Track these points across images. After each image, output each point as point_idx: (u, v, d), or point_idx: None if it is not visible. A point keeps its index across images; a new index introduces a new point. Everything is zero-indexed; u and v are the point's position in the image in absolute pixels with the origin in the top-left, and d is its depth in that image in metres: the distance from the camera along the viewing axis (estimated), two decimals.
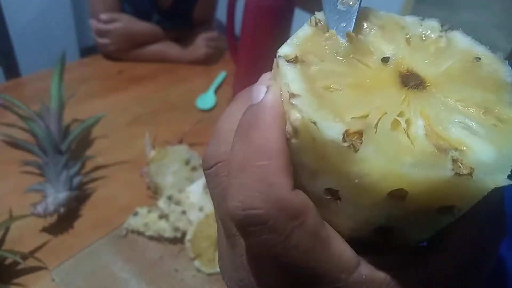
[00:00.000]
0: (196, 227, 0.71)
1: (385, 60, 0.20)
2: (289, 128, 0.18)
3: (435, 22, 0.22)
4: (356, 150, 0.16)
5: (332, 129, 0.16)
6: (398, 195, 0.16)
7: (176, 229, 0.72)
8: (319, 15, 0.21)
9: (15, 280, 0.65)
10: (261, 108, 0.18)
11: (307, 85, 0.18)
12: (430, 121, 0.17)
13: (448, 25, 0.22)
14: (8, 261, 0.67)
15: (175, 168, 0.80)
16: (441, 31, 0.22)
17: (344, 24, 0.20)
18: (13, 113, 0.82)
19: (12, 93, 1.03)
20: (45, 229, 0.73)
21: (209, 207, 0.72)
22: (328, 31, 0.20)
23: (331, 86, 0.18)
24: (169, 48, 1.25)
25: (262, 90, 0.19)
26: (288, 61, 0.19)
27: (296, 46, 0.20)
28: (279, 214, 0.17)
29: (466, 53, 0.20)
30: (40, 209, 0.68)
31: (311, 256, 0.18)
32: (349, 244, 0.19)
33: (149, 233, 0.73)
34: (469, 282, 0.19)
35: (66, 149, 0.79)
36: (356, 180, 0.16)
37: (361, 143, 0.16)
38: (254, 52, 0.97)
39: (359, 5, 0.20)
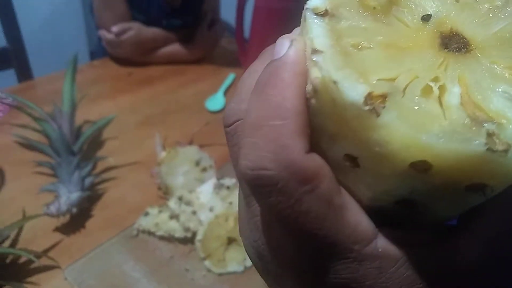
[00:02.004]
0: (206, 227, 0.71)
1: (426, 18, 0.18)
2: (309, 87, 0.17)
3: None
4: (378, 115, 0.15)
5: (353, 91, 0.15)
6: (421, 167, 0.15)
7: (187, 229, 0.73)
8: None
9: (29, 279, 0.66)
10: (281, 64, 0.17)
11: (333, 41, 0.17)
12: (469, 88, 0.15)
13: None
14: (22, 259, 0.68)
15: (185, 169, 0.81)
16: None
17: None
18: (26, 115, 0.83)
19: (25, 95, 1.04)
20: (58, 229, 0.74)
21: (219, 207, 0.73)
22: None
23: (361, 43, 0.17)
24: (179, 49, 1.26)
25: (286, 45, 0.18)
26: (316, 14, 0.17)
27: None
28: (289, 177, 0.16)
29: None
30: (53, 209, 0.69)
31: (323, 224, 0.17)
32: (368, 214, 0.18)
33: (159, 233, 0.74)
34: (494, 275, 0.18)
35: (78, 150, 0.80)
36: (377, 148, 0.15)
37: (384, 107, 0.15)
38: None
39: None
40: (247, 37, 1.06)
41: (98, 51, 1.31)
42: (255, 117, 0.17)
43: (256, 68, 0.21)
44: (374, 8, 0.18)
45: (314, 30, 0.17)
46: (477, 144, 0.14)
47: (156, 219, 0.75)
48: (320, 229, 0.17)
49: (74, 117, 0.85)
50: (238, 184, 0.23)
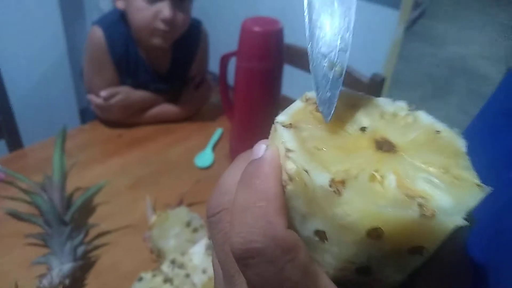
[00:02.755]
0: None
1: (363, 129, 0.24)
2: (285, 177, 0.21)
3: (404, 103, 0.26)
4: (340, 194, 0.19)
5: (320, 177, 0.20)
6: (375, 234, 0.19)
7: None
8: (309, 94, 0.25)
9: None
10: (262, 161, 0.22)
11: (299, 144, 0.22)
12: (400, 176, 0.21)
13: (414, 106, 0.26)
14: None
15: (176, 231, 0.81)
16: (408, 110, 0.26)
17: (329, 94, 0.24)
18: (16, 187, 0.84)
19: (16, 165, 1.06)
20: None
21: (211, 269, 0.73)
22: (315, 105, 0.24)
23: (319, 146, 0.22)
24: (166, 109, 1.29)
25: (263, 148, 0.23)
26: (284, 126, 0.23)
27: (290, 115, 0.24)
28: (275, 248, 0.20)
29: (429, 127, 0.25)
30: (45, 282, 0.69)
31: None
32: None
33: None
34: None
35: (70, 220, 0.81)
36: (340, 221, 0.19)
37: (344, 188, 0.19)
38: (247, 110, 1.00)
39: (344, 76, 0.24)
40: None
41: (88, 109, 1.34)
42: (243, 201, 0.21)
43: (235, 169, 0.25)
44: (325, 122, 0.23)
45: (285, 137, 0.22)
46: (413, 211, 0.19)
47: (150, 284, 0.75)
48: None
49: (64, 186, 0.86)
50: (215, 269, 0.25)
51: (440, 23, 4.64)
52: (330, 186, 0.19)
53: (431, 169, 0.22)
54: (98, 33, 1.18)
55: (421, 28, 4.50)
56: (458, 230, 0.19)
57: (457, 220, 0.19)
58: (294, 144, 0.21)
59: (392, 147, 0.23)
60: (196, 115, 1.35)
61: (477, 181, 0.21)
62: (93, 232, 0.88)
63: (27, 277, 0.75)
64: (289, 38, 1.17)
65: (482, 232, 0.28)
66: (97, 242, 0.86)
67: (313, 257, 0.21)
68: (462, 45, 4.31)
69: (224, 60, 1.04)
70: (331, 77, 0.24)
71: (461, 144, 0.24)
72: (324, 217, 0.20)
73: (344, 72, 0.24)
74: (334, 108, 0.24)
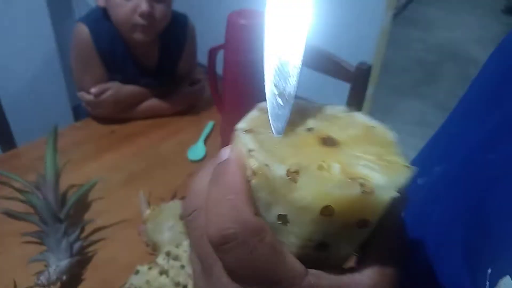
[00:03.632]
0: None
1: (310, 129, 0.28)
2: (249, 173, 0.25)
3: (343, 106, 0.31)
4: (296, 182, 0.23)
5: (278, 169, 0.23)
6: (327, 212, 0.23)
7: (177, 284, 0.74)
8: (262, 104, 0.29)
9: None
10: (228, 161, 0.25)
11: (258, 145, 0.25)
12: (343, 164, 0.24)
13: (350, 108, 0.31)
14: None
15: (170, 224, 0.82)
16: (347, 112, 0.30)
17: (280, 113, 0.28)
18: (10, 187, 0.85)
19: (9, 165, 1.07)
20: None
21: None
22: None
23: (274, 145, 0.26)
24: (158, 104, 1.30)
25: (227, 151, 0.26)
26: (244, 131, 0.26)
27: (248, 122, 0.28)
28: (246, 231, 0.23)
29: (365, 124, 0.29)
30: (43, 279, 0.71)
31: (271, 265, 0.23)
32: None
33: None
34: (392, 278, 0.26)
35: (65, 217, 0.82)
36: (298, 204, 0.23)
37: (299, 176, 0.23)
38: (237, 103, 1.01)
39: (293, 99, 0.28)
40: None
41: (81, 107, 1.35)
42: (215, 196, 0.24)
43: (204, 173, 0.28)
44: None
45: (246, 140, 0.26)
46: (356, 189, 0.23)
47: (146, 277, 0.76)
48: (270, 269, 0.23)
49: (58, 184, 0.87)
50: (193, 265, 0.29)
51: (430, 8, 4.64)
52: (287, 175, 0.23)
53: (368, 157, 0.26)
54: (83, 30, 1.18)
55: (411, 13, 4.50)
56: (394, 204, 0.23)
57: (391, 193, 0.23)
58: (254, 145, 0.25)
59: (335, 143, 0.27)
60: (187, 109, 1.36)
61: (406, 163, 0.26)
62: (89, 228, 0.89)
63: (25, 275, 0.76)
64: None
65: (462, 215, 0.32)
66: (93, 238, 0.88)
67: (278, 239, 0.24)
68: (452, 30, 4.32)
69: (212, 53, 1.05)
70: (281, 102, 0.28)
71: (392, 136, 0.29)
72: (285, 202, 0.24)
73: (293, 95, 0.28)
74: (285, 124, 0.27)
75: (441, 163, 0.41)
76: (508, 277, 0.24)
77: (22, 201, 0.85)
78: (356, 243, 0.26)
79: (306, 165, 0.24)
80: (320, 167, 0.24)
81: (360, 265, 0.26)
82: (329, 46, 1.31)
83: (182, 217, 0.27)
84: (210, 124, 1.27)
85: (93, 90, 1.19)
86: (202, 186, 0.27)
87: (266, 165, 0.24)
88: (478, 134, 0.37)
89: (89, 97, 1.21)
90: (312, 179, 0.23)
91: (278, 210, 0.24)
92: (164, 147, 1.19)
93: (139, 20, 1.11)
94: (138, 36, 1.15)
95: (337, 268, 0.26)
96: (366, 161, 0.25)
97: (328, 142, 0.27)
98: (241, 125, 0.27)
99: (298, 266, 0.24)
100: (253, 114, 0.29)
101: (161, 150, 1.18)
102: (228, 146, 0.28)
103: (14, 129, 1.33)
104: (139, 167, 1.10)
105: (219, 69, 1.07)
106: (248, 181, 0.25)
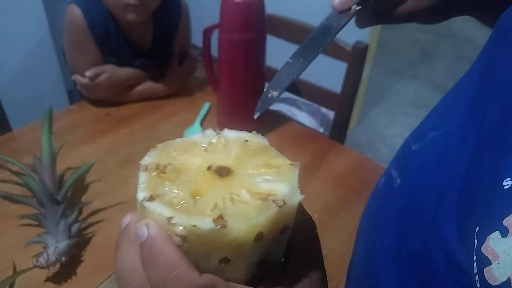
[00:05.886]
0: None
1: (209, 167, 0.29)
2: (176, 239, 0.25)
3: (211, 130, 0.32)
4: (225, 227, 0.24)
5: (206, 223, 0.24)
6: (260, 236, 0.25)
7: None
8: (143, 162, 0.30)
9: None
10: (152, 239, 0.25)
11: (171, 208, 0.25)
12: (247, 188, 0.27)
13: (218, 129, 0.32)
14: None
15: None
16: (217, 134, 0.32)
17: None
18: (7, 170, 0.84)
19: (5, 148, 1.06)
20: (49, 279, 0.75)
21: None
22: (156, 170, 0.29)
23: (183, 203, 0.26)
24: (153, 86, 1.29)
25: (144, 229, 0.26)
26: (148, 200, 0.26)
27: (146, 189, 0.27)
28: None
29: (238, 139, 0.31)
30: (42, 260, 0.71)
31: None
32: (248, 285, 0.28)
33: None
34: (314, 268, 0.30)
35: (62, 199, 0.82)
36: (234, 243, 0.25)
37: (225, 221, 0.24)
38: (232, 83, 1.01)
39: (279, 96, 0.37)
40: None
41: (76, 90, 1.34)
42: (159, 278, 0.25)
43: (124, 254, 0.28)
44: (173, 180, 0.28)
45: (158, 209, 0.26)
46: (273, 207, 0.26)
47: None
48: None
49: (54, 167, 0.87)
50: None
51: None
52: (215, 225, 0.24)
53: (260, 170, 0.29)
54: (76, 12, 1.16)
55: None
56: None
57: (298, 196, 0.27)
58: (169, 210, 0.25)
59: (228, 170, 0.29)
60: (183, 90, 1.35)
61: (289, 161, 0.29)
62: (87, 210, 0.90)
63: (24, 257, 0.76)
64: (271, 8, 1.17)
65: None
66: (91, 220, 0.88)
67: (226, 278, 0.26)
68: None
69: (207, 33, 1.04)
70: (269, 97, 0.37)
71: (264, 141, 0.32)
72: (221, 248, 0.25)
73: (279, 95, 0.36)
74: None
75: (436, 129, 0.42)
76: (497, 232, 0.25)
77: (19, 184, 0.85)
78: (284, 246, 0.29)
79: (224, 206, 0.26)
80: (234, 200, 0.26)
81: (288, 263, 0.30)
82: None
83: None
84: (206, 106, 1.26)
85: (88, 73, 1.18)
86: (130, 268, 0.27)
87: (194, 226, 0.24)
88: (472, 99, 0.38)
89: (84, 80, 1.20)
90: (237, 218, 0.25)
91: (217, 256, 0.26)
92: (160, 129, 1.19)
93: (130, 0, 1.10)
94: (130, 16, 1.14)
95: (273, 272, 0.29)
96: (261, 175, 0.28)
97: (223, 172, 0.28)
98: (141, 194, 0.27)
99: None
100: (143, 178, 0.29)
101: (158, 132, 1.18)
102: (128, 216, 0.30)
103: (9, 115, 1.32)
104: (136, 149, 1.09)
105: (215, 51, 1.06)
106: (180, 246, 0.25)
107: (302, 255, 0.30)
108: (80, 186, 0.96)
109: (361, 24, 0.52)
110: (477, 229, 0.27)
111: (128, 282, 0.27)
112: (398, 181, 0.45)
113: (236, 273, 0.27)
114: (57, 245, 0.74)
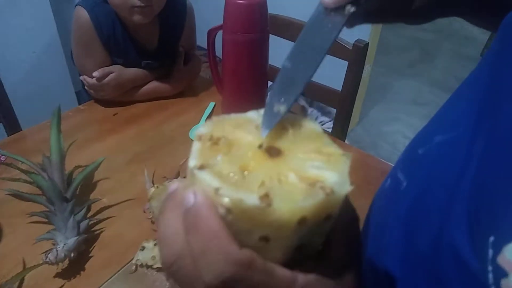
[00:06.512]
0: None
1: (260, 146, 0.29)
2: (221, 210, 0.25)
3: (253, 111, 0.33)
4: (270, 205, 0.24)
5: (252, 199, 0.24)
6: (303, 221, 0.25)
7: None
8: (199, 132, 0.30)
9: None
10: (198, 206, 0.26)
11: (219, 179, 0.26)
12: (296, 171, 0.27)
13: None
14: None
15: None
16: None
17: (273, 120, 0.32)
18: (17, 169, 0.86)
19: (15, 147, 1.09)
20: (59, 275, 0.77)
21: None
22: (209, 141, 0.29)
23: (232, 174, 0.26)
24: (159, 86, 1.31)
25: (191, 196, 0.26)
26: (199, 169, 0.27)
27: (197, 158, 0.28)
28: (240, 269, 0.25)
29: (292, 123, 0.31)
30: (51, 257, 0.73)
31: (268, 285, 0.26)
32: (284, 267, 0.27)
33: (157, 265, 0.77)
34: (350, 259, 0.30)
35: (71, 196, 0.84)
36: (276, 223, 0.25)
37: (271, 199, 0.24)
38: (236, 83, 1.02)
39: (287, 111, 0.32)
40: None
41: (83, 91, 1.36)
42: (200, 245, 0.25)
43: (168, 220, 0.28)
44: (225, 153, 0.28)
45: (207, 178, 0.26)
46: (319, 194, 0.25)
47: (152, 253, 0.78)
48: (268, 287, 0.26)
49: (63, 165, 0.88)
50: None
51: None
52: (262, 202, 0.24)
53: (311, 155, 0.28)
54: (83, 14, 1.18)
55: None
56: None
57: (347, 187, 0.26)
58: (217, 181, 0.26)
59: (279, 151, 0.29)
60: (188, 90, 1.37)
61: (340, 151, 0.29)
62: (95, 207, 0.91)
63: (33, 254, 0.78)
64: (274, 9, 1.18)
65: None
66: (100, 216, 0.90)
67: (263, 257, 0.26)
68: None
69: (211, 34, 1.06)
70: (275, 111, 0.33)
71: (318, 127, 0.31)
72: (264, 225, 0.25)
73: (288, 110, 0.32)
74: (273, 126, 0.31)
75: (443, 133, 0.41)
76: None
77: (28, 182, 0.87)
78: (324, 234, 0.29)
79: (271, 185, 0.26)
80: (282, 182, 0.26)
81: (327, 251, 0.29)
82: None
83: (163, 268, 0.29)
84: (211, 105, 1.28)
85: (95, 73, 1.20)
86: (172, 232, 0.27)
87: (240, 199, 0.25)
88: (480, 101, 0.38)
89: (92, 81, 1.22)
90: (282, 198, 0.25)
91: (258, 233, 0.26)
92: (166, 128, 1.21)
93: (135, 1, 1.11)
94: (136, 18, 1.15)
95: (310, 259, 0.29)
96: (312, 161, 0.28)
97: (273, 152, 0.29)
98: (192, 162, 0.27)
99: (288, 275, 0.27)
100: (196, 147, 0.29)
101: (164, 131, 1.19)
102: (175, 180, 0.29)
103: (18, 115, 1.34)
104: (143, 148, 1.11)
105: (219, 52, 1.07)
106: (223, 218, 0.26)
107: (342, 248, 0.30)
108: (89, 184, 0.98)
109: (349, 24, 0.51)
110: (491, 238, 0.26)
111: (169, 246, 0.27)
112: (405, 184, 0.45)
113: (274, 253, 0.27)
114: (66, 242, 0.76)
